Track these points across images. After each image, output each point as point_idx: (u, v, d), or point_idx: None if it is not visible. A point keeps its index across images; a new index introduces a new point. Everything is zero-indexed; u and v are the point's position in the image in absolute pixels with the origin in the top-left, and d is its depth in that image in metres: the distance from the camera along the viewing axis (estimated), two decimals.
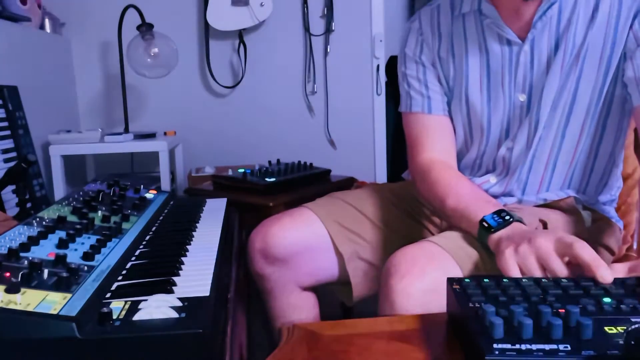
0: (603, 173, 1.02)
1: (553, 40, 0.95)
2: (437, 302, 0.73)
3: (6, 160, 1.78)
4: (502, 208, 0.85)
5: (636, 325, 0.54)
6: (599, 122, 0.96)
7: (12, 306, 0.59)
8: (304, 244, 1.07)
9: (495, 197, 1.02)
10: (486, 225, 0.82)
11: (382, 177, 2.68)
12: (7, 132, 1.84)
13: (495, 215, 0.83)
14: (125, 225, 0.96)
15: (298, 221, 1.09)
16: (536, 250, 0.71)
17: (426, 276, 0.78)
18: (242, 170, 1.88)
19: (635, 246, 1.15)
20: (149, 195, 1.23)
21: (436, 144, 1.05)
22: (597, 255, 0.67)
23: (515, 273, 0.71)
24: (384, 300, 0.80)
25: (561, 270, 0.69)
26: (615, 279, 0.65)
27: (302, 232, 1.07)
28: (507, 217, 0.81)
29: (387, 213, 1.12)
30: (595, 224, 0.99)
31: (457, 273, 0.81)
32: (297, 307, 1.11)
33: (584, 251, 0.68)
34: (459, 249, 0.84)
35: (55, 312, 0.59)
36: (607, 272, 0.65)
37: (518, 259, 0.72)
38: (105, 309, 0.61)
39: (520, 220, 0.82)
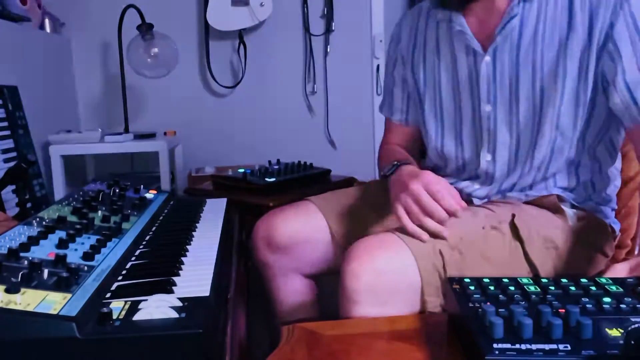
0: (591, 173, 1.02)
1: (515, 54, 0.95)
2: (385, 282, 0.81)
3: (6, 160, 1.78)
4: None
5: (636, 325, 0.54)
6: (575, 128, 0.95)
7: (12, 306, 0.59)
8: (305, 234, 1.11)
9: (481, 197, 1.07)
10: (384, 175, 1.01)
11: None
12: (7, 132, 1.84)
13: (389, 166, 1.02)
14: (125, 225, 0.96)
15: (300, 213, 1.14)
16: (410, 195, 0.88)
17: (375, 259, 0.83)
18: (242, 170, 1.88)
19: (637, 251, 1.14)
20: (149, 195, 1.23)
21: (395, 140, 1.24)
22: (446, 189, 0.87)
23: (405, 221, 0.88)
24: (340, 286, 0.85)
25: (431, 205, 0.85)
26: (615, 279, 0.65)
27: (303, 223, 1.12)
28: (395, 162, 1.01)
29: (388, 207, 1.13)
30: (581, 222, 0.99)
31: (409, 259, 0.84)
32: (299, 294, 1.15)
33: (435, 186, 0.87)
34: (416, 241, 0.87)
35: (55, 312, 0.59)
36: (452, 202, 0.85)
37: (404, 207, 0.89)
38: (105, 309, 0.61)
39: (406, 163, 1.00)
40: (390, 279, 0.82)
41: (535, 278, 0.67)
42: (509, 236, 0.92)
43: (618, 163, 1.07)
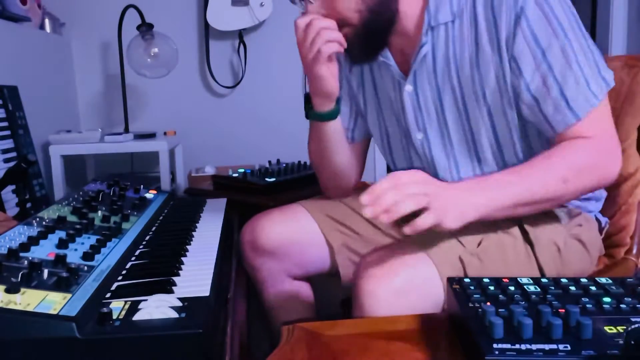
0: None
1: (433, 80, 0.95)
2: (405, 305, 0.74)
3: (6, 160, 1.78)
4: None
5: (636, 325, 0.54)
6: (513, 138, 0.94)
7: (12, 306, 0.59)
8: (292, 236, 1.10)
9: None
10: None
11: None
12: (7, 132, 1.84)
13: None
14: (125, 225, 0.96)
15: (286, 215, 1.12)
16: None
17: (395, 277, 0.77)
18: (242, 170, 1.88)
19: (635, 249, 1.13)
20: (149, 195, 1.23)
21: None
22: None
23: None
24: (354, 302, 0.80)
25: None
26: (616, 279, 0.65)
27: (289, 226, 1.10)
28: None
29: None
30: (574, 220, 0.99)
31: (431, 273, 0.79)
32: (291, 296, 1.13)
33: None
34: (436, 249, 0.82)
35: (55, 312, 0.59)
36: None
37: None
38: (105, 309, 0.61)
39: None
40: (411, 298, 0.76)
41: (535, 278, 0.67)
42: (521, 240, 0.90)
43: None
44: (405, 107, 1.00)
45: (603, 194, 1.07)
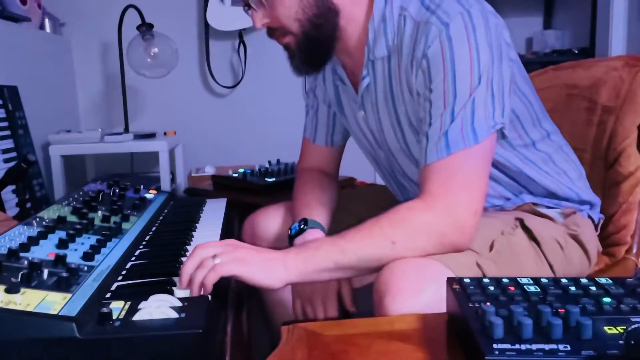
0: (529, 176, 0.98)
1: (376, 111, 0.98)
2: None
3: (6, 160, 1.78)
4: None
5: (636, 325, 0.54)
6: None
7: (12, 306, 0.59)
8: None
9: None
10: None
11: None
12: (7, 132, 1.84)
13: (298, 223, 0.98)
14: (125, 226, 0.96)
15: (284, 211, 1.14)
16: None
17: (421, 294, 0.75)
18: (242, 170, 1.88)
19: (635, 249, 1.12)
20: (149, 195, 1.23)
21: (312, 162, 1.19)
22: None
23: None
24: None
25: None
26: (616, 279, 0.65)
27: (287, 221, 1.10)
28: (302, 223, 0.97)
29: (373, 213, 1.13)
30: (569, 219, 0.99)
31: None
32: (288, 291, 1.10)
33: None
34: (454, 258, 0.81)
35: (55, 312, 0.59)
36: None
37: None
38: (105, 309, 0.61)
39: (315, 227, 0.97)
40: (437, 311, 0.72)
41: (535, 278, 0.67)
42: (526, 238, 0.90)
43: (559, 154, 1.03)
44: (361, 129, 1.05)
45: (596, 200, 1.07)
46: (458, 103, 0.81)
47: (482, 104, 0.82)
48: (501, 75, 0.84)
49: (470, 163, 0.82)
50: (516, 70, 0.93)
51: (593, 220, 1.05)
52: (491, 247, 0.86)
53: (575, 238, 0.96)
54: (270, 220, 1.13)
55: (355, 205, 1.16)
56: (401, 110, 0.94)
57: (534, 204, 0.99)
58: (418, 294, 0.75)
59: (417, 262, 0.79)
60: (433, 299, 0.74)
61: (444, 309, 0.70)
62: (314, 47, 0.94)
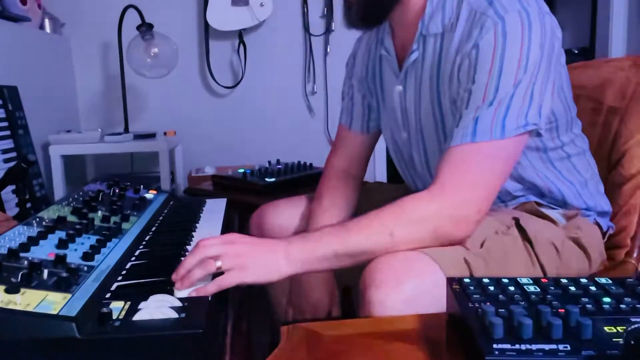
0: (543, 179, 0.99)
1: (418, 87, 0.97)
2: (414, 312, 0.73)
3: (6, 160, 1.78)
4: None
5: (636, 325, 0.54)
6: None
7: (12, 306, 0.59)
8: (296, 224, 1.13)
9: None
10: None
11: (382, 177, 2.68)
12: (7, 132, 1.84)
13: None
14: (125, 226, 0.96)
15: (292, 204, 1.16)
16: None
17: (403, 286, 0.75)
18: (242, 170, 1.88)
19: (635, 252, 1.11)
20: (149, 195, 1.22)
21: (346, 154, 1.17)
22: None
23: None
24: (362, 310, 0.79)
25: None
26: (616, 279, 0.65)
27: (295, 214, 1.14)
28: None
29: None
30: (571, 222, 0.98)
31: (439, 278, 0.77)
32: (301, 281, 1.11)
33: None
34: (442, 252, 0.81)
35: (55, 312, 0.59)
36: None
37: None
38: (105, 309, 0.61)
39: None
40: (420, 305, 0.74)
41: (535, 278, 0.66)
42: (520, 239, 0.90)
43: (581, 163, 1.03)
44: (394, 105, 1.02)
45: (608, 208, 1.07)
46: (497, 98, 0.82)
47: (519, 102, 0.82)
48: (546, 77, 0.84)
49: (490, 156, 0.83)
50: (564, 75, 0.94)
51: (601, 228, 1.04)
52: (482, 245, 0.86)
53: (576, 241, 0.95)
54: (280, 212, 1.15)
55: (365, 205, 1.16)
56: (444, 90, 0.93)
57: (537, 203, 1.00)
58: (400, 285, 0.76)
59: (405, 254, 0.80)
60: (416, 291, 0.75)
61: (427, 302, 0.71)
62: (375, 3, 0.93)
